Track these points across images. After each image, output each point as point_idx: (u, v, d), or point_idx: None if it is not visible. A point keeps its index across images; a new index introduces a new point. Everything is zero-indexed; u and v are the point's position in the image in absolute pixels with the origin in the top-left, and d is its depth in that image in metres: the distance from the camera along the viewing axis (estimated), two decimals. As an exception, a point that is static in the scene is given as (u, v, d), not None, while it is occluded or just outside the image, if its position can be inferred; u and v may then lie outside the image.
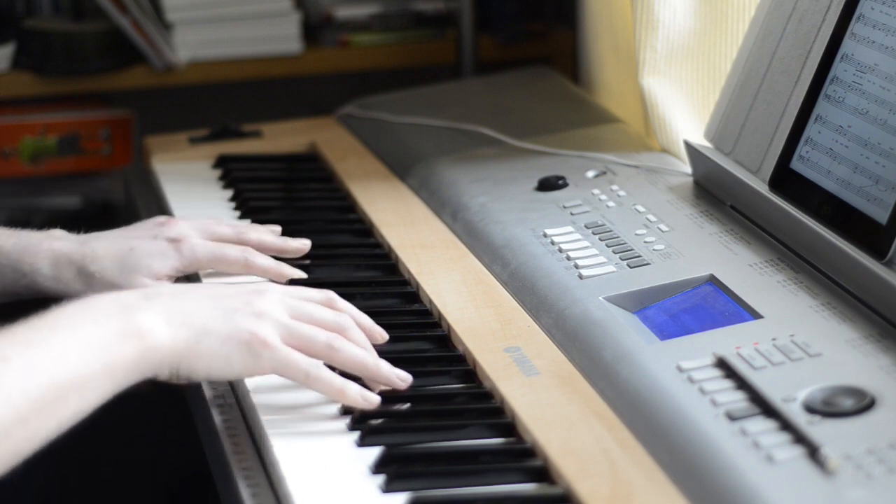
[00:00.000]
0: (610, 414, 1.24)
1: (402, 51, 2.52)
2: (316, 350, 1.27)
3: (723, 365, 1.24)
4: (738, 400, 1.19)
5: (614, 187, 1.65)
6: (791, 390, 1.18)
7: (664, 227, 1.53)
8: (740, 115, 1.62)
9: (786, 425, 1.14)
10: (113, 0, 2.37)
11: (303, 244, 1.59)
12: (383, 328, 1.43)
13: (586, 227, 1.56)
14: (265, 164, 1.96)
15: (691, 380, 1.23)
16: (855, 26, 1.47)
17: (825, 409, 1.15)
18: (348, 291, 1.52)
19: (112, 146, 2.48)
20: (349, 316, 1.33)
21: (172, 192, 1.85)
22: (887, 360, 1.22)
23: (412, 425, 1.26)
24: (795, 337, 1.26)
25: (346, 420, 1.27)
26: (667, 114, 1.79)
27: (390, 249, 1.63)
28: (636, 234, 1.52)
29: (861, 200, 1.38)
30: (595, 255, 1.49)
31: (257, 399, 1.30)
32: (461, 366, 1.36)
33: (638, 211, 1.58)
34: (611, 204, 1.61)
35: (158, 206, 1.85)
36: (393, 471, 1.18)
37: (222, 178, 1.90)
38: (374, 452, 1.21)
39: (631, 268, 1.45)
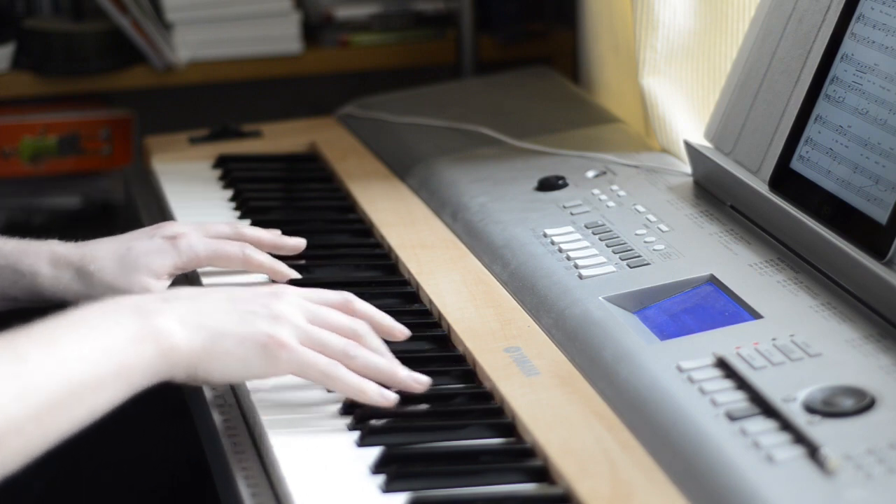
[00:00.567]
0: (610, 414, 1.24)
1: (402, 51, 2.52)
2: (332, 355, 1.27)
3: (723, 365, 1.24)
4: (738, 400, 1.19)
5: (614, 187, 1.65)
6: (791, 390, 1.18)
7: (664, 227, 1.53)
8: (740, 115, 1.62)
9: (786, 425, 1.14)
10: (113, 0, 2.37)
11: (299, 242, 1.60)
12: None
13: (586, 227, 1.56)
14: (265, 164, 1.96)
15: (691, 380, 1.23)
16: (855, 26, 1.47)
17: (825, 409, 1.15)
18: (348, 291, 1.52)
19: (112, 146, 2.48)
20: (366, 321, 1.33)
21: (172, 192, 1.85)
22: (887, 360, 1.22)
23: (412, 425, 1.26)
24: (795, 337, 1.26)
25: (347, 420, 1.27)
26: (667, 114, 1.79)
27: (390, 249, 1.63)
28: (636, 234, 1.52)
29: (861, 200, 1.38)
30: (595, 255, 1.49)
31: (257, 399, 1.30)
32: (461, 366, 1.36)
33: (638, 211, 1.58)
34: (611, 204, 1.61)
35: (158, 206, 1.85)
36: (393, 471, 1.18)
37: (222, 178, 1.90)
38: (374, 452, 1.21)
39: (631, 268, 1.45)
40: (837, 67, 1.48)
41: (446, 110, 2.02)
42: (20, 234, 1.56)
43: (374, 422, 1.25)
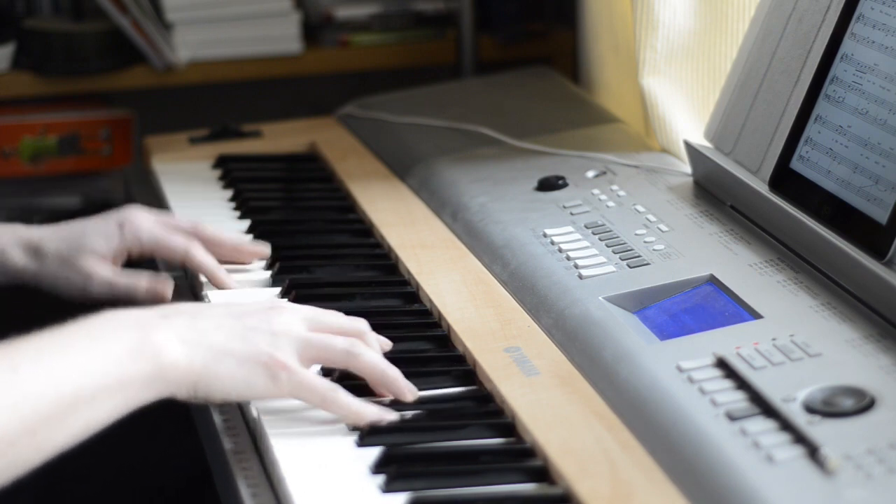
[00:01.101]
0: (610, 414, 1.24)
1: (402, 51, 2.52)
2: (335, 357, 1.27)
3: (723, 365, 1.24)
4: (738, 400, 1.19)
5: (614, 187, 1.65)
6: (791, 390, 1.18)
7: (664, 227, 1.53)
8: (740, 115, 1.62)
9: (786, 425, 1.14)
10: (113, 0, 2.37)
11: (261, 250, 1.60)
12: (383, 328, 1.43)
13: (586, 227, 1.56)
14: (265, 164, 1.96)
15: (691, 380, 1.23)
16: (855, 26, 1.47)
17: (825, 409, 1.15)
18: (348, 291, 1.53)
19: (112, 146, 2.48)
20: (365, 321, 1.33)
21: (172, 192, 1.85)
22: (887, 360, 1.22)
23: (412, 425, 1.26)
24: (795, 337, 1.26)
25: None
26: (667, 114, 1.79)
27: (390, 249, 1.63)
28: (636, 234, 1.52)
29: (861, 200, 1.38)
30: (595, 255, 1.49)
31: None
32: (461, 366, 1.36)
33: (638, 211, 1.58)
34: (611, 204, 1.61)
35: (158, 206, 1.85)
36: (393, 471, 1.18)
37: (222, 178, 1.90)
38: (374, 452, 1.21)
39: (631, 268, 1.45)
40: (837, 67, 1.48)
41: (446, 110, 2.02)
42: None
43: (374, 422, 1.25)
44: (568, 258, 1.49)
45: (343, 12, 2.50)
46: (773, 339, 1.26)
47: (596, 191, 1.65)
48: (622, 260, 1.47)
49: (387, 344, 1.35)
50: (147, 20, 2.38)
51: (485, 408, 1.28)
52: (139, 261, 1.60)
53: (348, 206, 1.79)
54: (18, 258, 1.55)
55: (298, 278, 1.56)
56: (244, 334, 1.24)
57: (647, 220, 1.55)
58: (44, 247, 1.55)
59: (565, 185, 1.68)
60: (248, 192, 1.83)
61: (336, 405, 1.24)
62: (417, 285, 1.53)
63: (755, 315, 1.32)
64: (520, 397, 1.27)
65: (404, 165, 1.86)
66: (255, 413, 1.28)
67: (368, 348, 1.29)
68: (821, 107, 1.48)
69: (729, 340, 1.27)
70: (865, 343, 1.25)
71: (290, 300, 1.50)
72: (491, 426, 1.25)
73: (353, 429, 1.25)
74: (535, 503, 1.15)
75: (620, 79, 1.98)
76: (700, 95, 1.81)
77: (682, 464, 1.14)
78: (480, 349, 1.36)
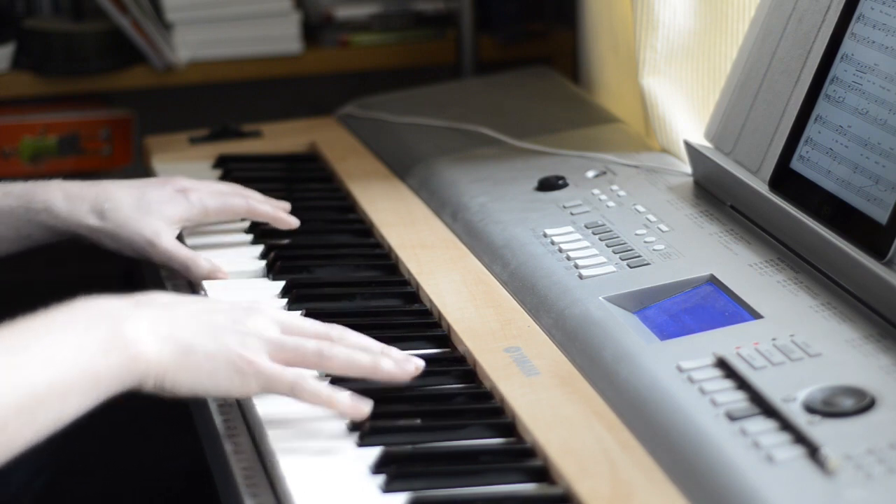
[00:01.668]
0: (610, 414, 1.24)
1: (402, 51, 2.52)
2: (306, 360, 1.25)
3: (723, 365, 1.24)
4: (738, 400, 1.19)
5: (614, 187, 1.65)
6: (791, 390, 1.18)
7: (664, 227, 1.53)
8: (740, 115, 1.62)
9: (786, 425, 1.14)
10: (113, 0, 2.37)
11: (285, 203, 1.68)
12: (383, 328, 1.43)
13: (586, 227, 1.56)
14: (265, 164, 1.96)
15: (691, 380, 1.23)
16: (855, 26, 1.47)
17: (825, 409, 1.15)
18: (348, 291, 1.53)
19: (112, 146, 2.48)
20: (342, 327, 1.31)
21: (172, 192, 1.84)
22: (887, 360, 1.22)
23: (412, 425, 1.26)
24: (795, 337, 1.26)
25: (347, 420, 1.26)
26: (667, 114, 1.79)
27: (390, 249, 1.63)
28: (636, 234, 1.52)
29: (861, 200, 1.39)
30: (595, 255, 1.49)
31: (257, 400, 1.30)
32: (461, 366, 1.36)
33: (638, 211, 1.58)
34: (611, 204, 1.61)
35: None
36: (393, 471, 1.18)
37: (222, 178, 1.90)
38: (374, 452, 1.21)
39: (631, 268, 1.45)
40: (837, 67, 1.48)
41: (446, 110, 2.01)
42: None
43: (374, 422, 1.25)
44: (568, 258, 1.49)
45: (343, 12, 2.50)
46: (774, 339, 1.26)
47: (596, 191, 1.65)
48: (622, 260, 1.47)
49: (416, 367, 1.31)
50: (147, 20, 2.38)
51: (485, 408, 1.28)
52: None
53: (348, 206, 1.79)
54: (71, 212, 1.56)
55: (298, 278, 1.56)
56: (215, 332, 1.22)
57: (648, 220, 1.55)
58: (102, 204, 1.56)
59: (565, 185, 1.68)
60: (249, 192, 1.83)
61: (305, 393, 1.23)
62: (417, 285, 1.53)
63: (755, 315, 1.32)
64: (520, 397, 1.27)
65: (404, 165, 1.86)
66: (256, 414, 1.28)
67: (340, 347, 1.26)
68: (821, 107, 1.48)
69: (729, 340, 1.27)
70: (865, 343, 1.25)
71: (290, 300, 1.50)
72: (491, 426, 1.25)
73: (353, 428, 1.25)
74: (535, 503, 1.15)
75: (620, 79, 1.98)
76: (700, 95, 1.81)
77: (682, 464, 1.14)
78: (480, 349, 1.36)
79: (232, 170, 1.91)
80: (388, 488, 1.16)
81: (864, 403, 1.16)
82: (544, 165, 1.76)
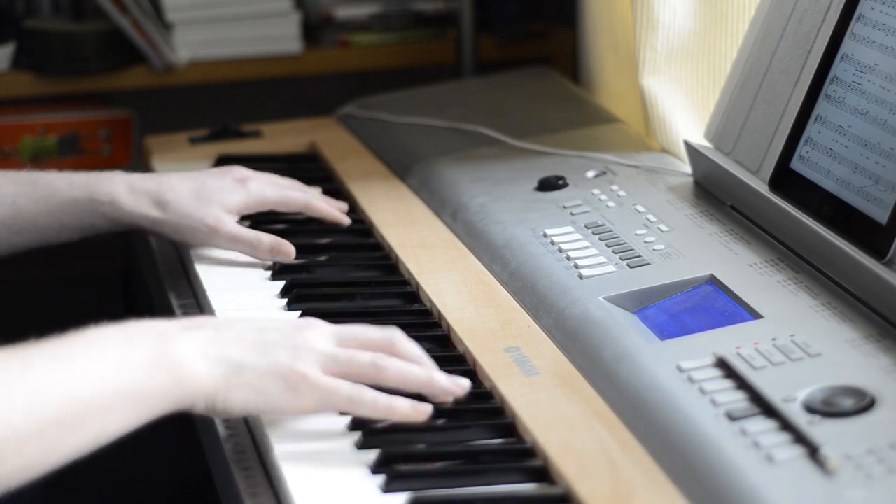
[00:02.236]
0: (610, 414, 1.24)
1: (402, 51, 2.52)
2: (361, 372, 1.23)
3: (723, 365, 1.24)
4: (738, 400, 1.19)
5: (614, 187, 1.65)
6: (791, 390, 1.18)
7: (664, 227, 1.53)
8: (740, 115, 1.62)
9: (786, 425, 1.14)
10: (113, 0, 2.37)
11: (343, 204, 1.72)
12: (383, 328, 1.43)
13: (586, 227, 1.56)
14: (265, 164, 1.96)
15: (691, 380, 1.23)
16: (855, 26, 1.47)
17: (825, 409, 1.15)
18: (348, 291, 1.53)
19: (112, 146, 2.48)
20: (398, 329, 1.29)
21: (172, 192, 1.84)
22: (887, 360, 1.22)
23: (411, 426, 1.25)
24: (795, 337, 1.26)
25: (347, 420, 1.26)
26: (667, 114, 1.79)
27: (390, 249, 1.63)
28: (636, 234, 1.52)
29: (861, 200, 1.39)
30: (595, 255, 1.49)
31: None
32: (461, 366, 1.36)
33: (638, 211, 1.58)
34: (611, 204, 1.61)
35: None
36: (393, 471, 1.18)
37: (222, 178, 1.90)
38: (373, 452, 1.21)
39: (631, 268, 1.45)
40: (837, 67, 1.48)
41: (446, 110, 2.01)
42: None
43: (374, 424, 1.25)
44: (568, 258, 1.49)
45: (343, 12, 2.50)
46: (773, 339, 1.26)
47: (596, 191, 1.65)
48: (622, 260, 1.47)
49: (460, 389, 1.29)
50: (147, 20, 2.38)
51: (485, 408, 1.28)
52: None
53: (348, 207, 1.79)
54: (135, 204, 1.59)
55: (298, 278, 1.56)
56: (266, 348, 1.21)
57: (647, 220, 1.55)
58: (165, 195, 1.59)
59: (565, 185, 1.68)
60: (248, 192, 1.83)
61: (364, 405, 1.22)
62: (417, 285, 1.53)
63: (755, 315, 1.32)
64: (520, 397, 1.27)
65: (404, 165, 1.86)
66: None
67: (394, 360, 1.24)
68: (821, 107, 1.48)
69: (729, 340, 1.27)
70: (865, 343, 1.25)
71: (290, 300, 1.50)
72: (491, 426, 1.25)
73: (353, 428, 1.25)
74: (535, 503, 1.15)
75: (620, 79, 1.98)
76: (700, 95, 1.81)
77: (682, 464, 1.14)
78: (480, 349, 1.36)
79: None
80: (388, 488, 1.16)
81: (864, 403, 1.16)
82: (544, 165, 1.76)
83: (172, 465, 1.62)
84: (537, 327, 1.41)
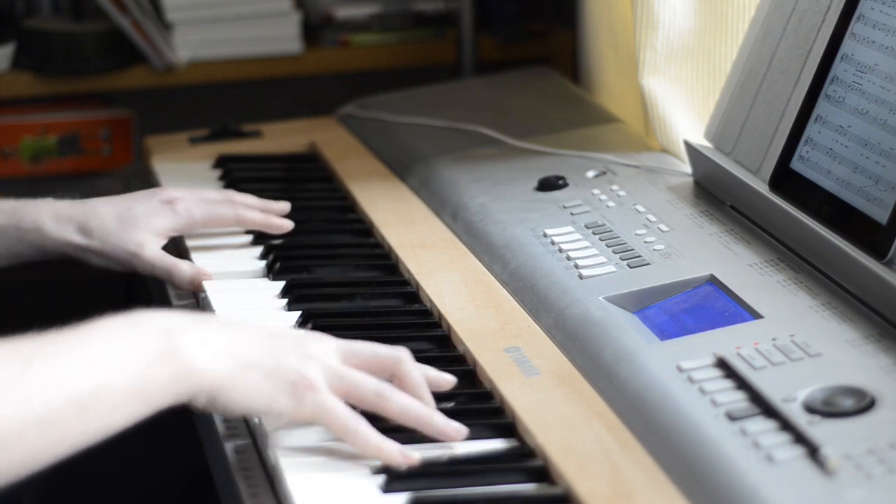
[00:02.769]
0: (610, 414, 1.24)
1: (402, 51, 2.52)
2: (364, 398, 1.22)
3: (723, 365, 1.24)
4: (738, 400, 1.19)
5: (614, 187, 1.65)
6: (791, 390, 1.18)
7: (664, 227, 1.53)
8: (740, 115, 1.62)
9: (786, 425, 1.14)
10: (113, 0, 2.37)
11: (284, 205, 1.69)
12: (383, 328, 1.43)
13: (586, 227, 1.56)
14: (265, 164, 1.96)
15: (691, 380, 1.23)
16: (855, 26, 1.47)
17: (825, 409, 1.15)
18: (348, 291, 1.53)
19: (112, 146, 2.48)
20: (406, 350, 1.28)
21: (172, 192, 1.84)
22: (887, 360, 1.22)
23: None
24: (795, 337, 1.26)
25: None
26: (667, 114, 1.79)
27: (390, 249, 1.63)
28: (636, 234, 1.52)
29: (861, 200, 1.39)
30: (595, 255, 1.49)
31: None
32: (461, 366, 1.36)
33: (638, 211, 1.58)
34: (611, 204, 1.61)
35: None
36: (393, 471, 1.18)
37: (222, 178, 1.90)
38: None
39: (631, 268, 1.45)
40: (837, 67, 1.48)
41: (446, 110, 2.01)
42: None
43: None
44: (568, 258, 1.49)
45: (343, 12, 2.50)
46: (773, 339, 1.26)
47: (596, 191, 1.65)
48: (622, 260, 1.47)
49: (444, 383, 1.28)
50: (147, 20, 2.38)
51: (485, 408, 1.28)
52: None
53: (348, 206, 1.79)
54: (59, 231, 1.59)
55: (298, 278, 1.56)
56: (275, 352, 1.21)
57: (648, 220, 1.55)
58: (88, 222, 1.59)
59: (565, 185, 1.68)
60: (249, 192, 1.82)
61: (357, 438, 1.20)
62: (417, 285, 1.53)
63: (755, 315, 1.32)
64: (520, 397, 1.27)
65: (404, 165, 1.86)
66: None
67: (398, 393, 1.23)
68: (821, 107, 1.48)
69: (729, 340, 1.27)
70: (865, 343, 1.25)
71: (290, 300, 1.50)
72: (491, 426, 1.25)
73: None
74: (535, 503, 1.15)
75: (620, 79, 1.98)
76: (700, 95, 1.81)
77: (682, 464, 1.14)
78: (480, 349, 1.36)
79: (232, 170, 1.91)
80: (388, 488, 1.16)
81: (864, 403, 1.15)
82: (544, 165, 1.76)
83: (172, 464, 1.62)
84: (537, 327, 1.41)
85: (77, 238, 1.59)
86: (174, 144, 2.02)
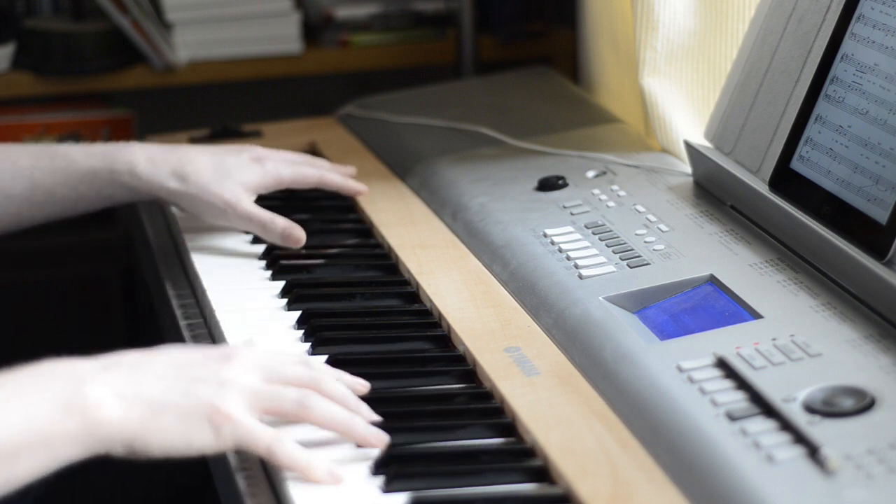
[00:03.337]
0: (610, 414, 1.24)
1: (402, 51, 2.52)
2: (287, 409, 1.20)
3: (723, 365, 1.24)
4: (738, 400, 1.19)
5: (614, 187, 1.65)
6: (791, 390, 1.18)
7: (664, 227, 1.53)
8: (740, 115, 1.62)
9: (786, 425, 1.14)
10: (113, 0, 2.37)
11: (351, 168, 1.78)
12: (383, 328, 1.43)
13: (586, 227, 1.56)
14: (265, 164, 1.96)
15: (691, 380, 1.23)
16: (855, 26, 1.47)
17: (825, 409, 1.15)
18: (348, 291, 1.53)
19: (112, 146, 2.48)
20: (326, 370, 1.27)
21: (172, 192, 1.84)
22: (887, 360, 1.22)
23: (412, 425, 1.26)
24: (795, 337, 1.26)
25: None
26: (667, 114, 1.79)
27: (390, 249, 1.63)
28: (636, 234, 1.52)
29: (861, 200, 1.39)
30: (595, 255, 1.49)
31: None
32: (461, 366, 1.36)
33: (638, 211, 1.58)
34: (611, 204, 1.61)
35: (159, 206, 1.85)
36: (393, 471, 1.18)
37: (222, 178, 1.90)
38: (374, 452, 1.20)
39: (631, 268, 1.45)
40: (837, 67, 1.48)
41: (446, 110, 2.02)
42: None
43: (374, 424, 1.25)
44: (568, 258, 1.49)
45: (343, 12, 2.50)
46: (774, 339, 1.26)
47: (596, 191, 1.65)
48: (622, 260, 1.47)
49: (362, 385, 1.28)
50: (147, 20, 2.38)
51: (485, 408, 1.28)
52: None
53: (348, 206, 1.79)
54: (154, 174, 1.60)
55: (298, 278, 1.56)
56: (187, 387, 1.17)
57: (648, 220, 1.56)
58: (184, 167, 1.61)
59: (565, 185, 1.68)
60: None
61: (283, 456, 1.17)
62: (417, 285, 1.53)
63: (755, 315, 1.32)
64: (520, 397, 1.27)
65: (404, 165, 1.86)
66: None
67: (322, 399, 1.21)
68: (821, 107, 1.48)
69: (729, 340, 1.27)
70: (865, 343, 1.25)
71: (290, 300, 1.50)
72: (491, 426, 1.25)
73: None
74: (535, 503, 1.15)
75: (620, 79, 1.98)
76: (700, 95, 1.81)
77: (682, 464, 1.14)
78: (480, 349, 1.36)
79: (232, 170, 1.91)
80: (388, 488, 1.16)
81: (864, 403, 1.16)
82: (544, 165, 1.76)
83: (172, 465, 1.62)
84: (537, 327, 1.41)
85: (172, 182, 1.61)
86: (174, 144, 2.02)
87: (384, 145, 1.96)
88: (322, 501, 1.16)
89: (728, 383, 1.21)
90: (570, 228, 1.56)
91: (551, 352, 1.36)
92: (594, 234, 1.54)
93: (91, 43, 2.40)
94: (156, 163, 1.61)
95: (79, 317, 2.41)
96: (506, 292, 1.49)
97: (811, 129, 1.49)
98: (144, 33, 2.38)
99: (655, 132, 1.81)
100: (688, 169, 1.68)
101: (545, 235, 1.55)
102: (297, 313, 1.47)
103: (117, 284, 2.42)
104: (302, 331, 1.44)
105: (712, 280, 1.41)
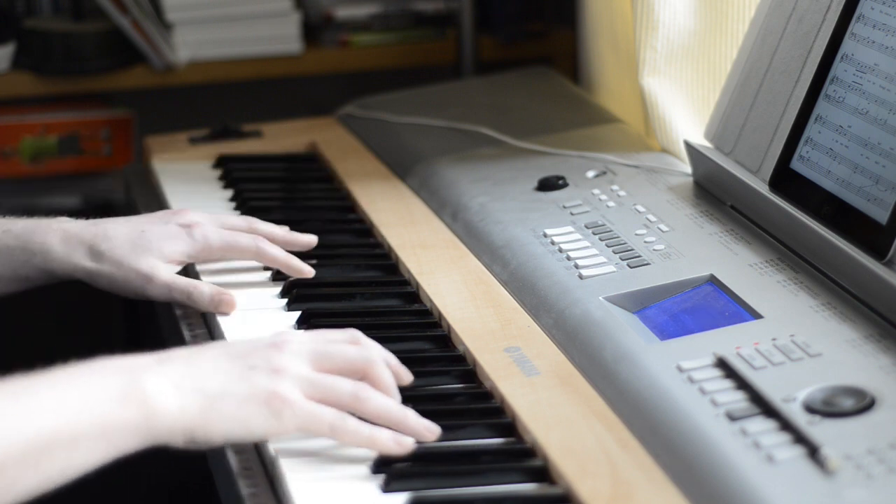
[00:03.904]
0: (610, 414, 1.24)
1: (402, 51, 2.52)
2: (342, 402, 1.21)
3: (723, 365, 1.24)
4: (738, 400, 1.19)
5: (614, 187, 1.65)
6: (791, 390, 1.18)
7: (664, 227, 1.53)
8: (740, 115, 1.62)
9: (786, 425, 1.14)
10: (113, 0, 2.37)
11: (310, 239, 1.59)
12: (383, 328, 1.43)
13: (586, 227, 1.56)
14: (265, 164, 1.96)
15: (691, 380, 1.23)
16: (855, 26, 1.47)
17: (825, 409, 1.15)
18: (348, 291, 1.53)
19: (112, 146, 2.48)
20: (375, 349, 1.28)
21: (172, 192, 1.85)
22: (887, 360, 1.22)
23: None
24: (795, 337, 1.26)
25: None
26: (667, 114, 1.79)
27: (390, 249, 1.63)
28: (636, 234, 1.52)
29: (861, 200, 1.39)
30: (595, 255, 1.49)
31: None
32: (461, 366, 1.36)
33: (638, 211, 1.58)
34: (611, 204, 1.61)
35: (159, 206, 1.85)
36: (393, 471, 1.18)
37: (222, 177, 1.90)
38: (373, 452, 1.20)
39: (631, 268, 1.45)
40: (837, 67, 1.48)
41: (446, 110, 2.02)
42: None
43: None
44: (568, 258, 1.49)
45: (343, 12, 2.50)
46: (774, 339, 1.26)
47: (596, 191, 1.65)
48: (622, 260, 1.47)
49: (405, 376, 1.29)
50: (147, 20, 2.38)
51: (485, 407, 1.28)
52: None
53: (348, 206, 1.79)
54: (68, 255, 1.50)
55: (298, 278, 1.56)
56: (243, 374, 1.19)
57: (648, 220, 1.56)
58: (99, 245, 1.50)
59: (565, 185, 1.68)
60: (249, 191, 1.83)
61: (346, 434, 1.20)
62: (417, 285, 1.53)
63: (755, 315, 1.32)
64: (520, 397, 1.27)
65: (404, 165, 1.86)
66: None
67: (376, 393, 1.23)
68: (821, 107, 1.48)
69: (729, 340, 1.27)
70: (865, 343, 1.25)
71: (290, 300, 1.50)
72: (491, 426, 1.25)
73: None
74: (535, 503, 1.15)
75: (620, 79, 1.98)
76: (700, 95, 1.81)
77: (682, 464, 1.14)
78: (480, 349, 1.36)
79: (232, 170, 1.91)
80: (388, 488, 1.16)
81: (864, 403, 1.16)
82: (544, 165, 1.76)
83: (172, 465, 1.62)
84: (537, 327, 1.41)
85: (87, 262, 1.50)
86: (174, 144, 2.02)
87: (384, 145, 1.96)
88: (322, 501, 1.16)
89: (728, 383, 1.21)
90: (570, 228, 1.56)
91: (551, 352, 1.36)
92: (594, 234, 1.54)
93: (91, 43, 2.40)
94: (70, 242, 1.50)
95: (79, 317, 2.41)
96: (506, 292, 1.49)
97: (811, 129, 1.49)
98: (144, 33, 2.38)
99: (655, 132, 1.81)
100: (688, 169, 1.68)
101: (545, 235, 1.55)
102: (297, 313, 1.47)
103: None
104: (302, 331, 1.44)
105: (712, 280, 1.41)
